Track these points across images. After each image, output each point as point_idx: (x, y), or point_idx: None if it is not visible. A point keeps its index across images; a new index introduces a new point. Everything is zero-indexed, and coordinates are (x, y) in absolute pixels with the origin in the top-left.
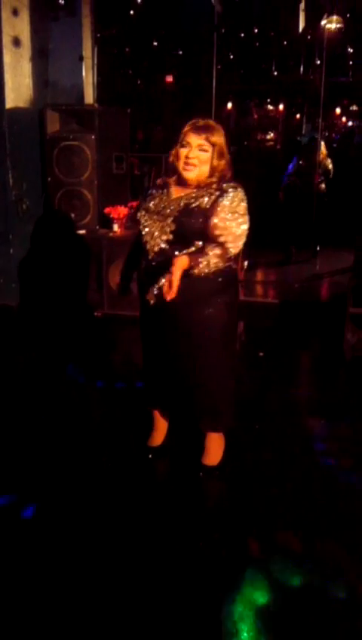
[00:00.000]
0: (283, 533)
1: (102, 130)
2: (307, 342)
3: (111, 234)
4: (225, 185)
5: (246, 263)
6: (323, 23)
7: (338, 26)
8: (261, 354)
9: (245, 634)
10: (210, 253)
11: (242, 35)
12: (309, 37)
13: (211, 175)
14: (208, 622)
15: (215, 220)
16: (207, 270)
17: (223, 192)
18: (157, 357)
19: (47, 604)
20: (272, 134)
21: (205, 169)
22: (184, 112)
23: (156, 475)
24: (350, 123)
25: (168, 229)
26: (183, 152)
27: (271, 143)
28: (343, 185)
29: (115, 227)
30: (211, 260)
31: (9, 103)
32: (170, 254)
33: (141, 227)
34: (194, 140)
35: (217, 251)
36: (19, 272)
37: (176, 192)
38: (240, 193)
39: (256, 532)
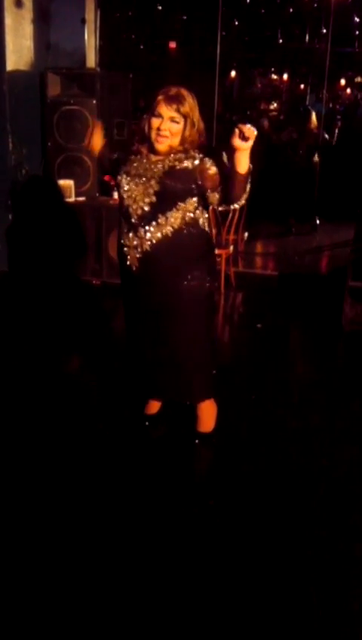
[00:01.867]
0: (275, 502)
1: (103, 95)
2: (305, 314)
3: (111, 201)
4: (205, 158)
5: (246, 234)
6: None
7: None
8: (259, 326)
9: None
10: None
11: (247, 1)
12: (316, 4)
13: (182, 144)
14: (203, 592)
15: (212, 172)
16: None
17: (203, 158)
18: (141, 329)
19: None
20: (276, 104)
21: (176, 140)
22: (187, 79)
23: (152, 442)
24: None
25: (151, 191)
26: (155, 122)
27: (275, 113)
28: (345, 158)
29: (115, 194)
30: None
31: (10, 66)
32: (151, 217)
33: (122, 191)
34: (166, 111)
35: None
36: (17, 238)
37: (154, 156)
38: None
39: (248, 501)
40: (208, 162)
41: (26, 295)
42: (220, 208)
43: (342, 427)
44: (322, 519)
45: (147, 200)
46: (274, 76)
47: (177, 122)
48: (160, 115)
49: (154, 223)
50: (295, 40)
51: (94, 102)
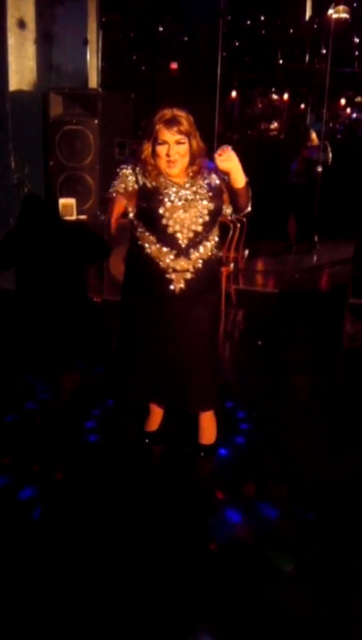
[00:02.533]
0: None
1: (105, 114)
2: (306, 332)
3: None
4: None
5: (246, 252)
6: (329, 12)
7: (345, 15)
8: (260, 343)
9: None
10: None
11: (248, 22)
12: (316, 26)
13: (193, 162)
14: (202, 603)
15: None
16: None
17: (217, 170)
18: (154, 347)
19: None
20: (276, 124)
21: (186, 160)
22: (188, 99)
23: (153, 459)
24: (354, 115)
25: (205, 211)
26: (162, 150)
27: (275, 132)
28: (343, 176)
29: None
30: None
31: (12, 86)
32: (202, 237)
33: (165, 221)
34: (170, 136)
35: None
36: (18, 257)
37: (177, 180)
38: None
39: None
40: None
41: (32, 312)
42: (230, 218)
43: (342, 443)
44: (324, 533)
45: (200, 221)
46: (275, 96)
47: (183, 143)
48: (164, 142)
49: (205, 241)
50: (295, 60)
51: (96, 121)
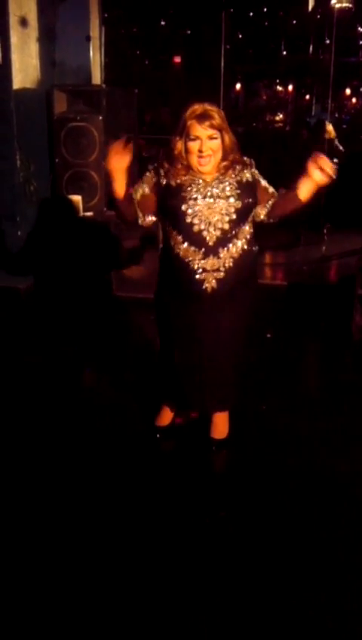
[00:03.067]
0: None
1: (109, 110)
2: (315, 323)
3: None
4: (246, 158)
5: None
6: (332, 2)
7: (348, 5)
8: (269, 335)
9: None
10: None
11: (251, 14)
12: (319, 16)
13: (226, 157)
14: (212, 599)
15: (263, 183)
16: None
17: (250, 165)
18: (195, 347)
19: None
20: (281, 115)
21: (219, 156)
22: (192, 93)
23: (165, 455)
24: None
25: (232, 209)
26: (194, 146)
27: (281, 124)
28: (351, 167)
29: None
30: None
31: (16, 84)
32: (231, 235)
33: (189, 219)
34: (202, 131)
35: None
36: (26, 254)
37: (206, 176)
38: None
39: (260, 509)
40: (255, 171)
41: (47, 310)
42: (260, 219)
43: (353, 435)
44: (334, 527)
45: (227, 219)
46: (279, 87)
47: (216, 138)
48: (197, 138)
49: (235, 239)
50: (299, 51)
51: (100, 118)
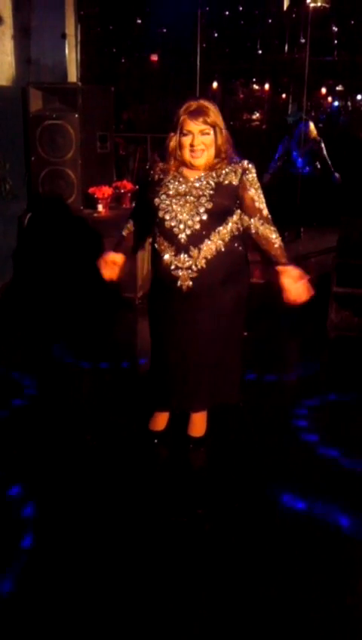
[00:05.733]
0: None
1: (85, 108)
2: (291, 321)
3: (95, 214)
4: (245, 162)
5: None
6: (307, 1)
7: (323, 4)
8: (245, 333)
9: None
10: (277, 239)
11: (227, 12)
12: (294, 15)
13: (218, 155)
14: (190, 594)
15: (251, 193)
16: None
17: (245, 170)
18: (175, 345)
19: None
20: (258, 114)
21: (212, 151)
22: (169, 91)
23: (160, 460)
24: (336, 103)
25: (202, 209)
26: (186, 140)
27: (257, 123)
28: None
29: (100, 207)
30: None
31: None
32: (202, 235)
33: (162, 213)
34: (194, 126)
35: (275, 234)
36: (2, 253)
37: (189, 174)
38: (254, 169)
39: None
40: (251, 173)
41: (29, 306)
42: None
43: (328, 431)
44: (314, 522)
45: (197, 219)
46: (256, 86)
47: (208, 134)
48: (189, 132)
49: (207, 240)
50: (274, 50)
51: (76, 116)
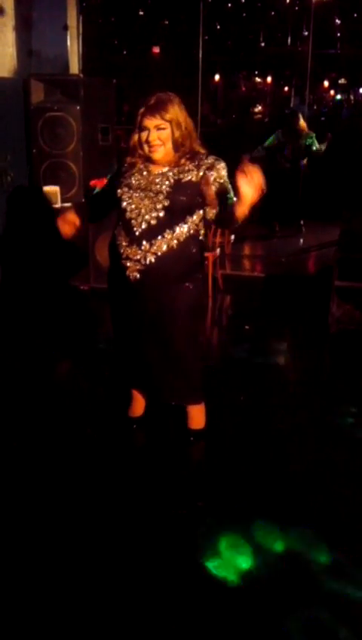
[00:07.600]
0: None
1: (87, 100)
2: (293, 315)
3: None
4: (211, 158)
5: (232, 237)
6: None
7: None
8: (247, 327)
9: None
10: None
11: (229, 5)
12: (297, 8)
13: (177, 149)
14: (190, 587)
15: (212, 190)
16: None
17: (211, 165)
18: (133, 336)
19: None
20: (260, 107)
21: (169, 146)
22: (171, 83)
23: (142, 445)
24: (338, 96)
25: (160, 206)
26: (143, 136)
27: (260, 115)
28: (330, 158)
29: None
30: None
31: None
32: (157, 231)
33: (124, 204)
34: (150, 122)
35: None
36: (3, 245)
37: (154, 168)
38: (223, 163)
39: (240, 497)
40: (214, 174)
41: (18, 302)
42: (208, 217)
43: (329, 426)
44: (312, 517)
45: (154, 214)
46: (258, 79)
47: (163, 128)
48: (145, 128)
49: (160, 237)
50: (277, 43)
51: (78, 107)
